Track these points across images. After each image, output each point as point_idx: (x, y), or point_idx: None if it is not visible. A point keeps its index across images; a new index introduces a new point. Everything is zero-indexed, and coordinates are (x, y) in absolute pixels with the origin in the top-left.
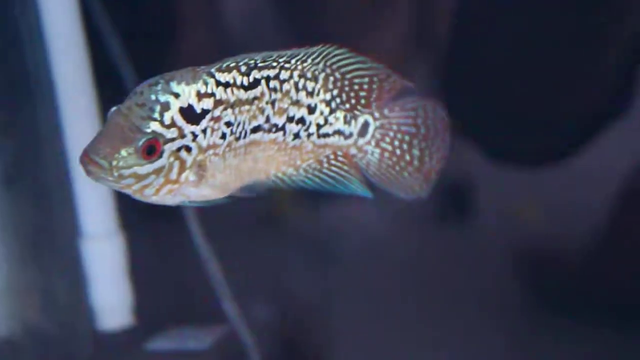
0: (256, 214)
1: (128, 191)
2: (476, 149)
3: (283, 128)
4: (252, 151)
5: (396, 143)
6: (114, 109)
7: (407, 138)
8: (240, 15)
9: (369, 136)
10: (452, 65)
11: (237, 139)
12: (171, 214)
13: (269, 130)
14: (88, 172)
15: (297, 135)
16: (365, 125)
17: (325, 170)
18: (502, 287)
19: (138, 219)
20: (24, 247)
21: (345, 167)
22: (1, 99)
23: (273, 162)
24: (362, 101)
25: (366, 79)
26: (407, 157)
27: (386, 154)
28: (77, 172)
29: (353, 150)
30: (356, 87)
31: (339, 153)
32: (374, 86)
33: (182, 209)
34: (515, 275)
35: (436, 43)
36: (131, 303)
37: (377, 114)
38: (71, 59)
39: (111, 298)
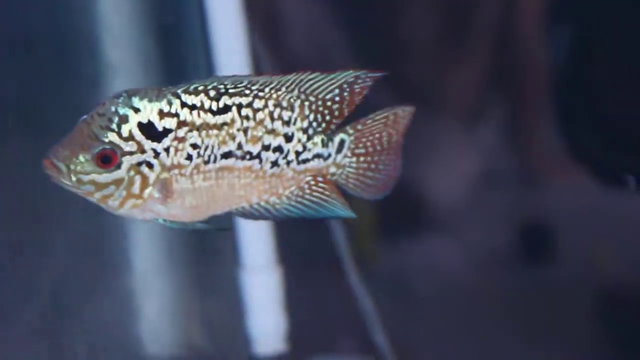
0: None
1: (92, 199)
2: (589, 175)
3: (259, 156)
4: (225, 177)
5: (369, 144)
6: (82, 117)
7: (377, 136)
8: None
9: (345, 150)
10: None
11: (206, 162)
12: (325, 249)
13: (242, 157)
14: (49, 175)
15: (275, 163)
16: (342, 142)
17: (307, 196)
18: (581, 329)
19: (294, 252)
20: (190, 277)
21: (327, 192)
22: None
23: (253, 190)
24: (336, 113)
25: (337, 90)
26: (379, 148)
27: (361, 158)
28: None
29: (332, 169)
30: (329, 102)
31: (319, 179)
32: (345, 93)
33: (336, 247)
34: (594, 318)
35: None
36: (285, 331)
37: (351, 131)
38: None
39: (267, 326)
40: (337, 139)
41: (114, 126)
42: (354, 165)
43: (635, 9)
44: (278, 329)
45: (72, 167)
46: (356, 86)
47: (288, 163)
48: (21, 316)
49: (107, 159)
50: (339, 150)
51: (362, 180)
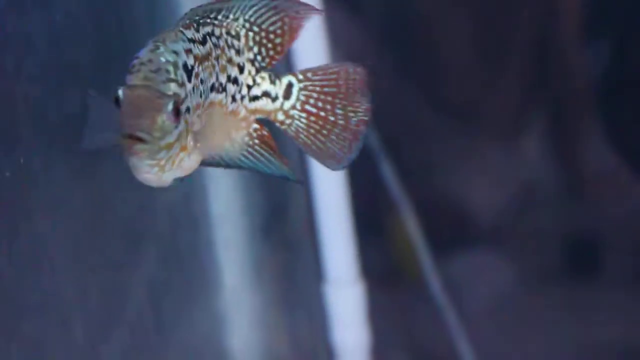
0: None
1: (153, 172)
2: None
3: (225, 88)
4: (211, 114)
5: (320, 104)
6: (121, 90)
7: (329, 98)
8: None
9: (293, 98)
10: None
11: (204, 97)
12: (411, 266)
13: (218, 90)
14: (135, 152)
15: (234, 98)
16: (290, 86)
17: (257, 147)
18: (629, 344)
19: (378, 266)
20: (276, 292)
21: (270, 145)
22: None
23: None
24: (278, 48)
25: (279, 23)
26: (332, 118)
27: (312, 117)
28: (323, 222)
29: (280, 116)
30: (272, 35)
31: (265, 131)
32: (286, 27)
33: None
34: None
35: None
36: (369, 346)
37: (300, 76)
38: None
39: (350, 340)
40: (285, 80)
41: (172, 75)
42: (304, 120)
43: None
44: (361, 343)
45: (155, 134)
46: (295, 21)
47: (242, 98)
48: (114, 333)
49: (178, 111)
50: (287, 95)
51: (313, 142)
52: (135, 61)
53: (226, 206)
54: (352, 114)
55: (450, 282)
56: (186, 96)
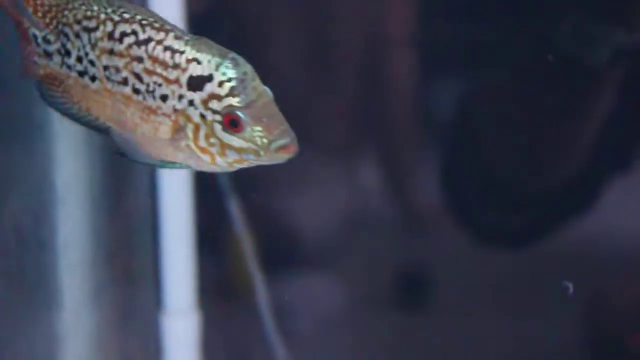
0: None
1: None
2: (463, 232)
3: None
4: None
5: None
6: (241, 112)
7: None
8: None
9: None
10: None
11: None
12: (245, 297)
13: None
14: (294, 147)
15: None
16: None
17: None
18: None
19: (215, 298)
20: (114, 316)
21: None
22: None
23: None
24: None
25: None
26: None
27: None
28: (165, 250)
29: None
30: None
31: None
32: None
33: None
34: None
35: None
36: None
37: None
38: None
39: None
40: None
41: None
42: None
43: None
44: None
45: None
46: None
47: None
48: None
49: None
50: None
51: None
52: (236, 79)
53: (73, 230)
54: None
55: (283, 302)
56: None
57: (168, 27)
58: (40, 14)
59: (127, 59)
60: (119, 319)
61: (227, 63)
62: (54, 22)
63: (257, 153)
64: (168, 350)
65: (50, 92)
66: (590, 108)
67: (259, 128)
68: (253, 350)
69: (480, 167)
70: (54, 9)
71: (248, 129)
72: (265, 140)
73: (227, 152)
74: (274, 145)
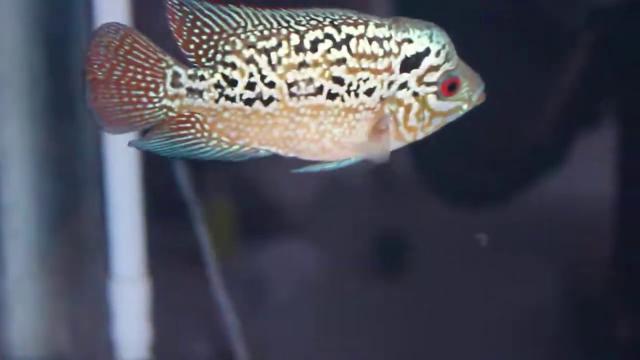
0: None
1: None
2: (434, 197)
3: None
4: None
5: None
6: (451, 75)
7: None
8: None
9: None
10: None
11: None
12: (195, 261)
13: None
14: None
15: None
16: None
17: None
18: (434, 337)
19: (165, 261)
20: (59, 282)
21: None
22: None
23: None
24: None
25: None
26: None
27: None
28: (114, 219)
29: None
30: None
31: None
32: None
33: (203, 255)
34: (448, 328)
35: None
36: (149, 340)
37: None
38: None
39: (131, 334)
40: None
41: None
42: None
43: None
44: (141, 338)
45: None
46: None
47: None
48: None
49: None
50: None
51: None
52: (446, 48)
53: (17, 196)
54: None
55: (260, 268)
56: None
57: (363, 19)
58: (192, 47)
59: (324, 66)
60: (66, 286)
61: (435, 32)
62: (210, 53)
63: (460, 108)
64: (117, 317)
65: (170, 138)
66: (561, 70)
67: (466, 83)
68: (202, 317)
69: (449, 132)
70: (214, 37)
71: (462, 88)
72: (471, 93)
73: (434, 120)
74: (475, 95)
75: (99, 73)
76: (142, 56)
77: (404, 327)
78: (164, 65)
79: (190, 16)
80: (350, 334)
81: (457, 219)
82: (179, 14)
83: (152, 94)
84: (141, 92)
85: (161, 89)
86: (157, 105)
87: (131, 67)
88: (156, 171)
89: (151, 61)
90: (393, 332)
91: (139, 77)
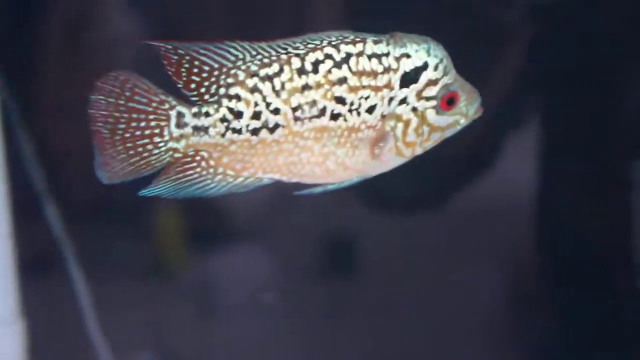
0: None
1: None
2: (380, 199)
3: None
4: None
5: None
6: (452, 88)
7: None
8: None
9: None
10: None
11: None
12: (70, 300)
13: None
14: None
15: None
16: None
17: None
18: (383, 338)
19: (39, 306)
20: None
21: None
22: None
23: None
24: None
25: None
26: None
27: None
28: None
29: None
30: None
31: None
32: None
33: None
34: (396, 329)
35: None
36: None
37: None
38: None
39: None
40: None
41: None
42: None
43: None
44: None
45: None
46: None
47: None
48: None
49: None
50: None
51: None
52: (444, 62)
53: None
54: None
55: (208, 276)
56: None
57: (360, 37)
58: (193, 86)
59: (326, 87)
60: None
61: (432, 46)
62: (213, 88)
63: (458, 123)
64: None
65: (176, 180)
66: (499, 66)
67: (464, 97)
68: (78, 352)
69: None
70: (215, 73)
71: (460, 102)
72: (469, 107)
73: (432, 135)
74: (472, 109)
75: (105, 131)
76: (144, 100)
77: (355, 328)
78: (167, 106)
79: (187, 57)
80: (303, 336)
81: (397, 223)
82: (175, 57)
83: (157, 139)
84: (146, 140)
85: (166, 132)
86: (162, 149)
87: (134, 116)
88: (27, 213)
89: (154, 105)
90: (344, 333)
91: (143, 124)
